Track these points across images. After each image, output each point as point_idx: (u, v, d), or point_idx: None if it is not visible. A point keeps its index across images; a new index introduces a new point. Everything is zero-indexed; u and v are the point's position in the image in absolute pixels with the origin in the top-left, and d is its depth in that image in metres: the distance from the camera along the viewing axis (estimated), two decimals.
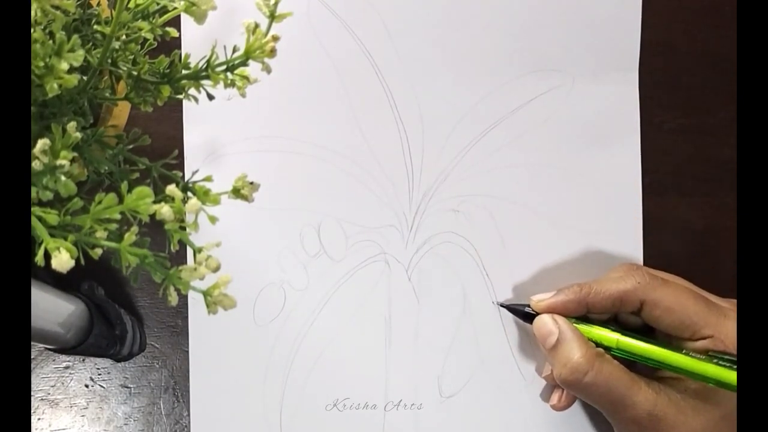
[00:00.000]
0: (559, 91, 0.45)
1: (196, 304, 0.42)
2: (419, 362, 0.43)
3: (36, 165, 0.24)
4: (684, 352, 0.37)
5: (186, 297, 0.42)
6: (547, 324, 0.39)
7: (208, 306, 0.26)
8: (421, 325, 0.43)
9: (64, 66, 0.24)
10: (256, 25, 0.28)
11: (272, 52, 0.28)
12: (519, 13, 0.45)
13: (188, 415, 0.42)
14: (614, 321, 0.41)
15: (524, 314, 0.41)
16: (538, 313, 0.40)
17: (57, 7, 0.26)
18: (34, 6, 0.25)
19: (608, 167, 0.45)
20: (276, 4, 0.28)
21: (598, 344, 0.39)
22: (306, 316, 0.42)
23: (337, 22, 0.44)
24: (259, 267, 0.42)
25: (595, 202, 0.44)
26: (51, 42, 0.24)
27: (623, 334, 0.39)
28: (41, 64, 0.24)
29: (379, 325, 0.43)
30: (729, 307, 0.38)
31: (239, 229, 0.42)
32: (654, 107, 0.45)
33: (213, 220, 0.27)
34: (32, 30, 0.24)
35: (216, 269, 0.26)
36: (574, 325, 0.39)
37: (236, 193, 0.29)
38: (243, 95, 0.29)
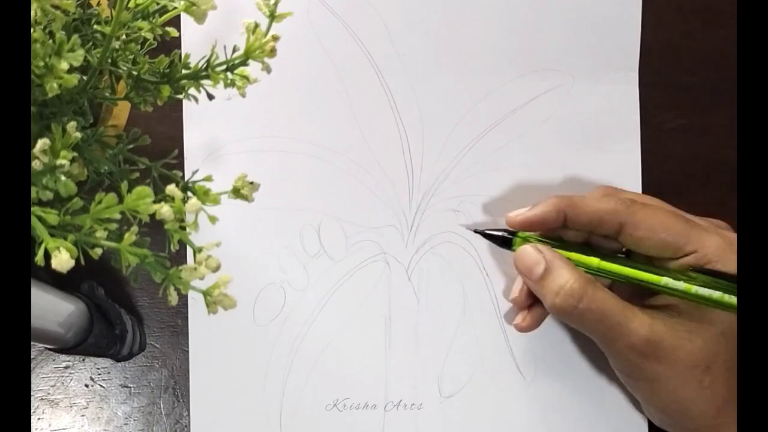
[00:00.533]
0: (559, 91, 0.45)
1: (196, 304, 0.42)
2: (419, 362, 0.43)
3: (36, 165, 0.24)
4: (664, 272, 0.36)
5: (186, 297, 0.42)
6: (531, 254, 0.38)
7: (208, 306, 0.26)
8: (421, 325, 0.43)
9: (64, 66, 0.24)
10: (256, 25, 0.28)
11: (272, 52, 0.28)
12: (519, 13, 0.45)
13: (188, 415, 0.42)
14: (588, 247, 0.40)
15: (502, 239, 0.40)
16: (515, 236, 0.39)
17: (57, 7, 0.26)
18: (34, 6, 0.25)
19: (608, 167, 0.45)
20: (276, 4, 0.28)
21: (582, 265, 0.38)
22: (306, 316, 0.42)
23: (337, 22, 0.44)
24: (259, 267, 0.42)
25: None
26: (51, 42, 0.24)
27: (602, 258, 0.38)
28: (41, 64, 0.24)
29: (379, 325, 0.43)
30: (707, 224, 0.38)
31: (239, 229, 0.42)
32: (654, 107, 0.45)
33: (213, 220, 0.27)
34: (32, 30, 0.24)
35: (216, 269, 0.26)
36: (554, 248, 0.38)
37: (236, 193, 0.29)
38: (243, 95, 0.29)
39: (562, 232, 0.39)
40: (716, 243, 0.36)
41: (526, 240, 0.39)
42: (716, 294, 0.35)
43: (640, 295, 0.38)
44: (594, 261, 0.38)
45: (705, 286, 0.35)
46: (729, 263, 0.36)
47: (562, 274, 0.37)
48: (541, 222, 0.38)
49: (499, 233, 0.40)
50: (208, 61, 0.29)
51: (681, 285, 0.36)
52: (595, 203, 0.38)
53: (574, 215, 0.38)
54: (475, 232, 0.42)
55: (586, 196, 0.39)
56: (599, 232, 0.38)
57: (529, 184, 0.44)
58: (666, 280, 0.36)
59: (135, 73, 0.30)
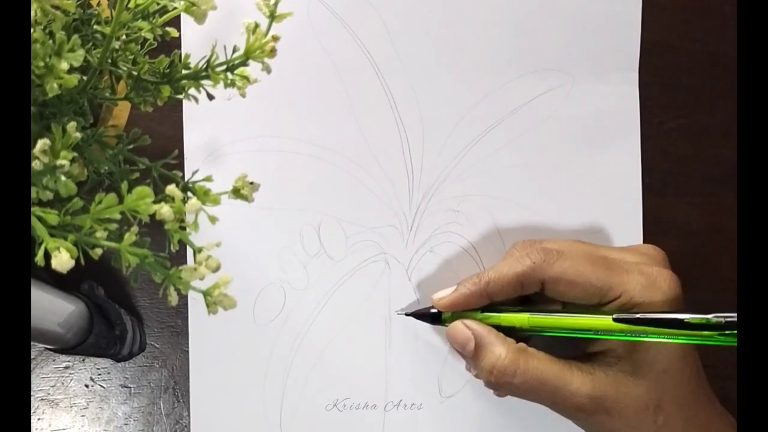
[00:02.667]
0: (559, 91, 0.45)
1: (196, 304, 0.42)
2: (419, 362, 0.43)
3: (36, 165, 0.24)
4: (594, 318, 0.36)
5: (186, 297, 0.42)
6: (460, 331, 0.38)
7: (208, 306, 0.26)
8: (421, 325, 0.43)
9: (64, 66, 0.24)
10: (256, 25, 0.28)
11: (272, 52, 0.28)
12: (519, 13, 0.45)
13: (188, 415, 0.42)
14: (526, 302, 0.39)
15: (431, 316, 0.40)
16: (442, 313, 0.39)
17: (57, 7, 0.26)
18: (34, 6, 0.25)
19: (608, 167, 0.45)
20: (276, 4, 0.28)
21: (511, 329, 0.37)
22: (306, 316, 0.42)
23: (337, 22, 0.44)
24: (259, 267, 0.42)
25: (595, 202, 0.44)
26: (51, 42, 0.24)
27: (532, 312, 0.37)
28: (41, 64, 0.24)
29: (379, 325, 0.43)
30: (630, 258, 0.37)
31: (239, 229, 0.42)
32: (654, 107, 0.45)
33: (213, 220, 0.27)
34: (32, 30, 0.24)
35: (216, 269, 0.26)
36: (484, 315, 0.38)
37: (236, 193, 0.29)
38: (243, 95, 0.29)
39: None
40: (638, 283, 0.36)
41: (455, 314, 0.39)
42: (644, 333, 0.35)
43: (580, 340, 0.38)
44: (524, 318, 0.37)
45: (630, 328, 0.35)
46: (655, 302, 0.35)
47: (492, 351, 0.37)
48: (464, 304, 0.38)
49: (427, 312, 0.40)
50: (208, 61, 0.29)
51: (609, 329, 0.35)
52: (512, 269, 0.37)
53: (496, 289, 0.37)
54: (406, 315, 0.42)
55: (502, 263, 0.38)
56: (525, 293, 0.38)
57: (529, 184, 0.44)
58: (597, 327, 0.36)
59: (135, 73, 0.30)
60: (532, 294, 0.38)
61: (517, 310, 0.38)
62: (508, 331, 0.38)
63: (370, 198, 0.43)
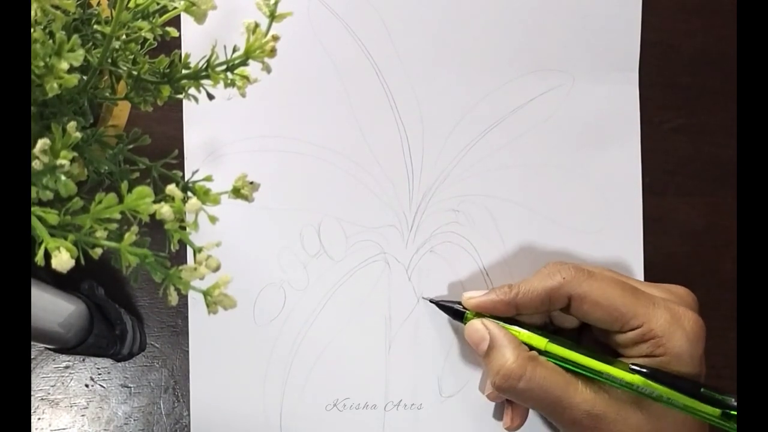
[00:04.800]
0: (559, 91, 0.45)
1: (196, 304, 0.42)
2: (419, 362, 0.43)
3: (36, 165, 0.24)
4: (608, 360, 0.36)
5: (186, 297, 0.42)
6: (478, 329, 0.39)
7: (208, 306, 0.26)
8: (421, 325, 0.43)
9: (64, 66, 0.24)
10: (256, 25, 0.28)
11: (272, 52, 0.28)
12: (519, 13, 0.45)
13: (188, 415, 0.42)
14: (551, 323, 0.40)
15: (454, 312, 0.41)
16: (467, 310, 0.40)
17: (57, 7, 0.26)
18: (34, 6, 0.25)
19: (608, 167, 0.45)
20: (276, 4, 0.28)
21: (530, 347, 0.38)
22: (306, 316, 0.42)
23: (337, 22, 0.44)
24: (259, 267, 0.42)
25: (595, 202, 0.44)
26: (51, 42, 0.24)
27: (552, 339, 0.38)
28: (41, 64, 0.24)
29: (379, 325, 0.43)
30: (659, 294, 0.38)
31: (239, 229, 0.42)
32: (654, 107, 0.45)
33: (213, 220, 0.27)
34: (32, 30, 0.24)
35: (216, 269, 0.26)
36: (505, 325, 0.39)
37: (236, 193, 0.29)
38: (243, 95, 0.29)
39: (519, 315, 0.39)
40: (663, 318, 0.36)
41: (478, 314, 0.40)
42: (655, 393, 0.35)
43: None
44: (542, 342, 0.38)
45: (644, 384, 0.35)
46: (675, 340, 0.35)
47: (504, 353, 0.37)
48: (491, 309, 0.39)
49: (453, 306, 0.41)
50: (208, 61, 0.29)
51: (620, 379, 0.36)
52: (542, 283, 0.38)
53: (525, 301, 0.38)
54: (431, 301, 0.42)
55: (534, 277, 0.38)
56: (553, 309, 0.38)
57: (529, 184, 0.44)
58: (606, 374, 0.36)
59: (135, 73, 0.30)
60: (555, 316, 0.39)
61: (538, 333, 0.38)
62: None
63: (370, 198, 0.43)
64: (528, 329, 0.39)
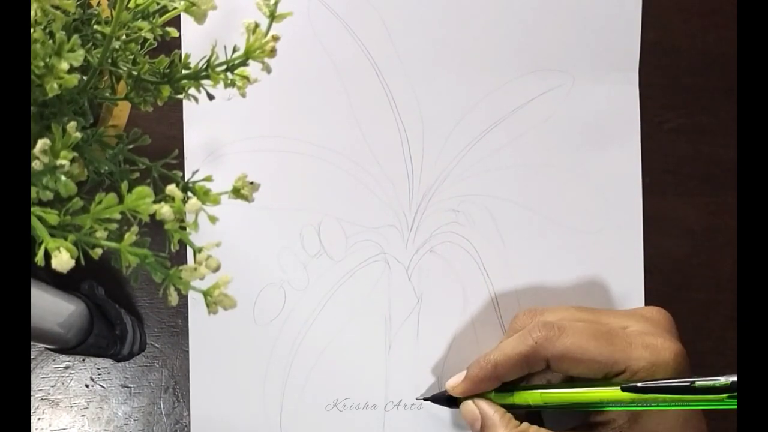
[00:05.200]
0: (559, 91, 0.45)
1: (196, 304, 0.42)
2: (419, 362, 0.43)
3: (36, 165, 0.24)
4: (601, 384, 0.37)
5: (186, 297, 0.42)
6: (470, 410, 0.39)
7: (208, 306, 0.26)
8: (421, 325, 0.43)
9: (64, 66, 0.24)
10: (256, 25, 0.28)
11: (272, 52, 0.28)
12: (519, 13, 0.45)
13: (188, 415, 0.42)
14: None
15: (447, 400, 0.41)
16: (457, 398, 0.40)
17: (57, 7, 0.26)
18: (34, 6, 0.25)
19: (608, 167, 0.45)
20: (276, 4, 0.28)
21: (527, 407, 0.38)
22: (306, 316, 0.42)
23: (337, 22, 0.44)
24: (259, 267, 0.42)
25: (595, 202, 0.44)
26: (51, 42, 0.24)
27: (546, 388, 0.38)
28: (41, 64, 0.24)
29: (379, 325, 0.43)
30: (634, 326, 0.37)
31: (239, 229, 0.42)
32: (654, 107, 0.45)
33: (213, 220, 0.27)
34: (32, 30, 0.24)
35: (216, 269, 0.26)
36: (497, 395, 0.39)
37: (236, 193, 0.29)
38: (243, 95, 0.29)
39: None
40: (643, 359, 0.36)
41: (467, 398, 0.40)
42: (653, 403, 0.35)
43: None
44: (537, 395, 0.38)
45: (640, 399, 0.35)
46: (659, 374, 0.35)
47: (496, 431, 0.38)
48: (477, 389, 0.39)
49: (443, 395, 0.41)
50: (208, 61, 0.29)
51: (618, 401, 0.36)
52: (515, 350, 0.37)
53: (504, 372, 0.38)
54: (425, 400, 0.42)
55: (505, 344, 0.38)
56: (534, 370, 0.38)
57: (529, 184, 0.44)
58: (605, 401, 0.36)
59: (135, 73, 0.30)
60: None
61: (530, 387, 0.39)
62: (525, 407, 0.39)
63: (370, 198, 0.43)
64: (520, 389, 0.39)
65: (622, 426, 0.37)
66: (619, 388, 0.36)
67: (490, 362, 0.38)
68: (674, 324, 0.38)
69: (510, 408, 0.39)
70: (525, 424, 0.38)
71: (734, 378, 0.33)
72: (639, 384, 0.35)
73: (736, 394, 0.33)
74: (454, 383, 0.40)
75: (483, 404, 0.39)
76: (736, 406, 0.33)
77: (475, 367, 0.39)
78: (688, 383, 0.34)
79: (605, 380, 0.37)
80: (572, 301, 0.43)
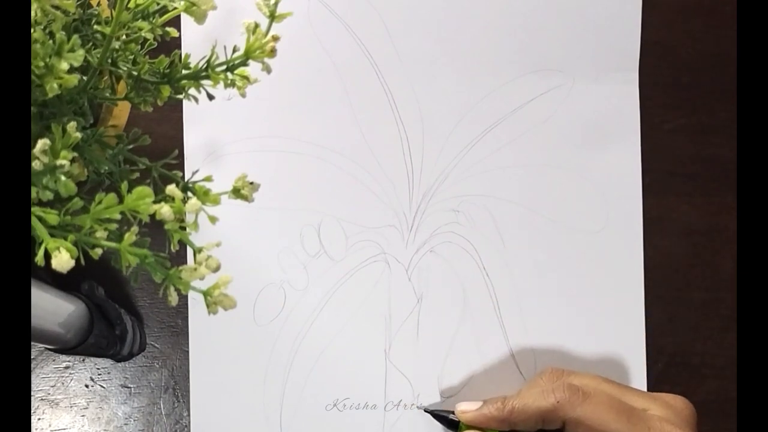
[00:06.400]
0: (559, 91, 0.45)
1: (196, 304, 0.42)
2: (419, 362, 0.43)
3: (36, 165, 0.24)
4: None
5: (186, 297, 0.42)
6: None
7: (208, 306, 0.26)
8: (421, 325, 0.43)
9: (64, 66, 0.24)
10: (256, 25, 0.28)
11: (272, 52, 0.28)
12: (519, 13, 0.45)
13: (188, 415, 0.42)
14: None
15: (449, 422, 0.40)
16: (459, 422, 0.40)
17: (57, 7, 0.26)
18: (34, 6, 0.25)
19: (608, 167, 0.45)
20: (276, 4, 0.28)
21: None
22: (306, 316, 0.42)
23: (337, 22, 0.44)
24: (259, 267, 0.42)
25: (595, 202, 0.44)
26: (51, 42, 0.24)
27: None
28: (41, 64, 0.24)
29: (379, 325, 0.43)
30: (657, 411, 0.37)
31: (239, 229, 0.42)
32: (654, 107, 0.45)
33: (213, 220, 0.27)
34: (32, 30, 0.24)
35: (216, 269, 0.26)
36: None
37: (236, 193, 0.29)
38: (243, 95, 0.29)
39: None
40: None
41: (469, 427, 0.40)
42: None
43: None
44: None
45: None
46: None
47: None
48: (485, 424, 0.39)
49: (447, 416, 0.41)
50: (208, 61, 0.29)
51: None
52: (536, 403, 0.37)
53: (518, 420, 0.38)
54: (425, 411, 0.42)
55: (528, 392, 0.38)
56: (546, 429, 0.38)
57: (529, 184, 0.44)
58: None
59: (135, 73, 0.30)
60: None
61: None
62: None
63: (370, 198, 0.43)
64: None
65: None
66: None
67: (507, 405, 0.38)
68: (696, 417, 0.38)
69: None
70: None
71: None
72: None
73: None
74: (465, 409, 0.40)
75: None
76: None
77: (492, 406, 0.39)
78: None
79: None
80: (572, 302, 0.43)
